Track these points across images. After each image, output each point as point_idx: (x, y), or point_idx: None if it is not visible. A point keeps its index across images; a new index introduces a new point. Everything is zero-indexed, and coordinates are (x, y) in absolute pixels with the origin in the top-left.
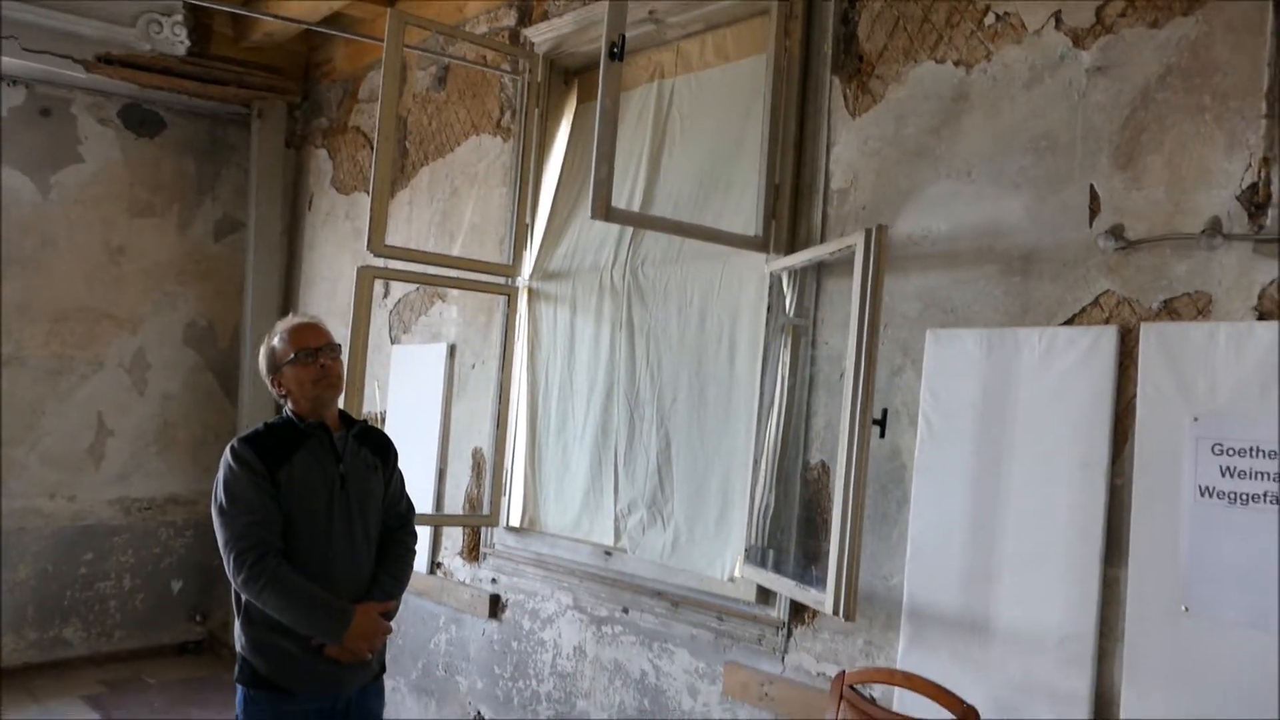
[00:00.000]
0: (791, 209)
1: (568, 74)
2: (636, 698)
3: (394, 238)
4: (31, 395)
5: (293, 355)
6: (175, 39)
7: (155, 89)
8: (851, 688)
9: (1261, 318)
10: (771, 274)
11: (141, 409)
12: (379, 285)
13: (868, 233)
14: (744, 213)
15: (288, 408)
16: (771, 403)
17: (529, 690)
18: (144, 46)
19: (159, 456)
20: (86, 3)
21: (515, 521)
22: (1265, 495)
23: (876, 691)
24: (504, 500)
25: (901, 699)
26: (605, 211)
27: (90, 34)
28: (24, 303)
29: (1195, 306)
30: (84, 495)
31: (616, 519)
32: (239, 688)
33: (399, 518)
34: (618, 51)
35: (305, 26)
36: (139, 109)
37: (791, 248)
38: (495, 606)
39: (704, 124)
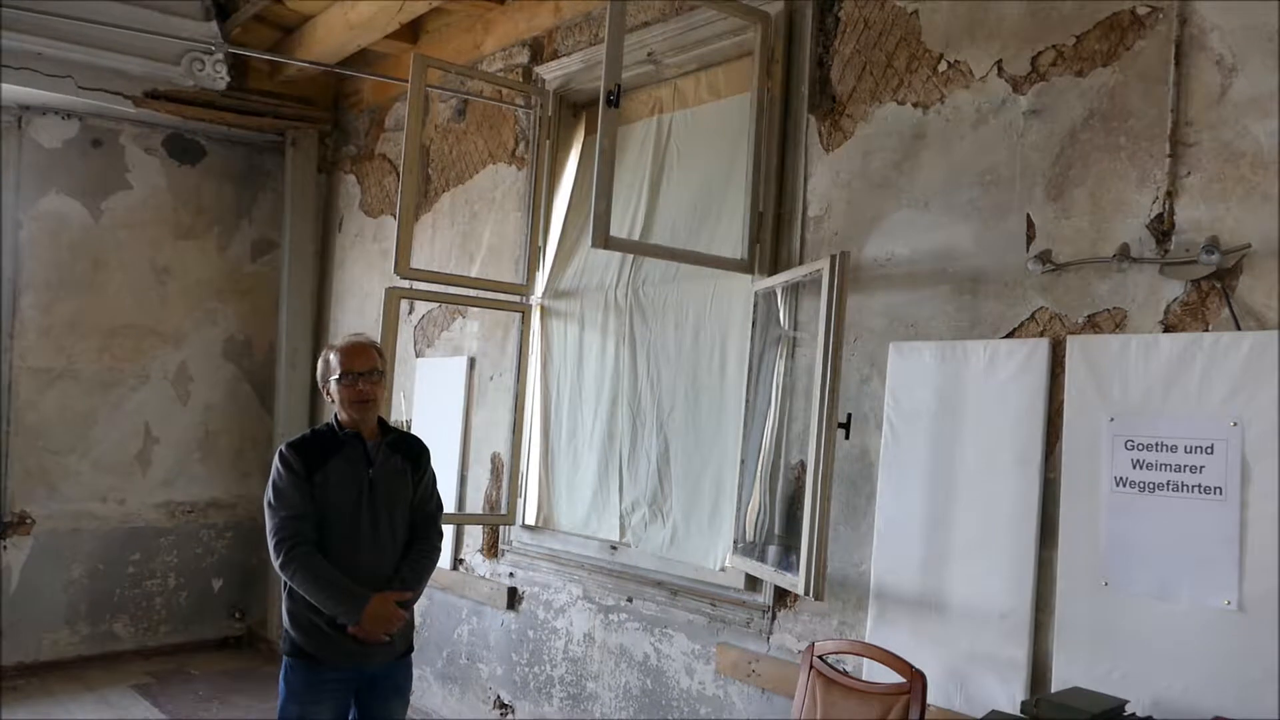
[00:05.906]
0: (773, 234)
1: (576, 108)
2: (640, 678)
3: (418, 258)
4: (84, 406)
5: (338, 374)
6: (216, 75)
7: (197, 120)
8: (820, 658)
9: (1167, 330)
10: (756, 293)
11: (185, 419)
12: (404, 303)
13: (832, 258)
14: (734, 237)
15: (335, 411)
16: (758, 408)
17: (544, 675)
18: (188, 83)
19: (201, 463)
20: (137, 43)
21: (531, 520)
22: (1168, 484)
23: (849, 664)
24: (520, 501)
25: (871, 669)
26: (605, 240)
27: (138, 72)
28: (76, 320)
29: (1114, 321)
30: (132, 499)
31: (621, 516)
32: (283, 657)
33: (428, 516)
34: (614, 99)
35: (333, 69)
36: (181, 139)
37: (774, 270)
38: (513, 599)
39: (699, 155)
